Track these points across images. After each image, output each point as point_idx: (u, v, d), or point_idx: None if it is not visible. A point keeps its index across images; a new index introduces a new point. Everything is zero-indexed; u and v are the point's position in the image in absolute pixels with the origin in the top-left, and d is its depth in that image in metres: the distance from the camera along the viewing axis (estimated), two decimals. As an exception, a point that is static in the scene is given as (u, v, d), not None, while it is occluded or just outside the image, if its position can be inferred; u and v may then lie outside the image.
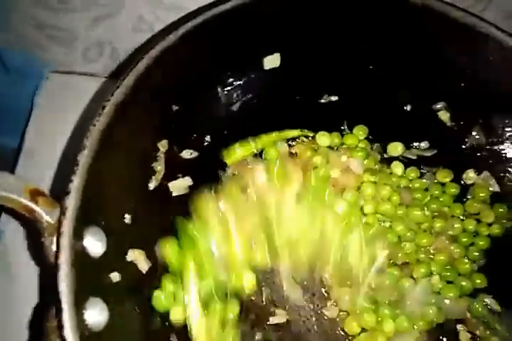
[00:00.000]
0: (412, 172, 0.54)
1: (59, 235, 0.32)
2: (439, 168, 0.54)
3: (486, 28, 0.46)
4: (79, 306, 0.31)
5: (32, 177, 0.56)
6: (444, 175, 0.54)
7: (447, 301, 0.48)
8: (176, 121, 0.46)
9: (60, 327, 0.29)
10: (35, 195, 0.33)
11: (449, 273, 0.50)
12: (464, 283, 0.49)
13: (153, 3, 0.56)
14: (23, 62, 0.66)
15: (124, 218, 0.40)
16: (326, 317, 0.48)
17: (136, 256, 0.41)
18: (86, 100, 0.63)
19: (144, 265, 0.41)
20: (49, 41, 0.62)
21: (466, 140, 0.55)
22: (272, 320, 0.47)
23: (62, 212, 0.32)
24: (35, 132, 0.62)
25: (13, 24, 0.60)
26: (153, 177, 0.44)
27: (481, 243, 0.51)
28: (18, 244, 0.53)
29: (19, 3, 0.56)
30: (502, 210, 0.52)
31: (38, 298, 0.48)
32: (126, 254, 0.39)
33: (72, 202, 0.32)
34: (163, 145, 0.45)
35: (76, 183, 0.33)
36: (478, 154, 0.54)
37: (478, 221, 0.52)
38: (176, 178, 0.48)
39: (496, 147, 0.54)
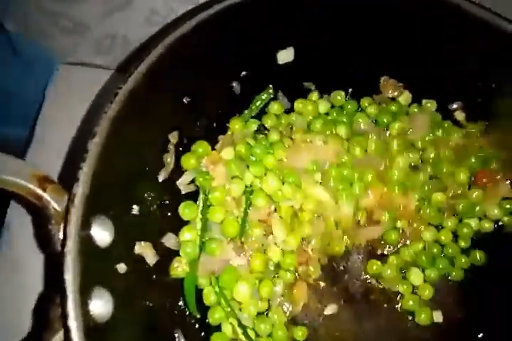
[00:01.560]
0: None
1: (66, 223, 0.31)
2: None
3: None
4: (84, 296, 0.30)
5: (42, 166, 0.56)
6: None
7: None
8: (187, 113, 0.45)
9: (65, 316, 0.29)
10: (43, 181, 0.32)
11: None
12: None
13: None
14: (36, 53, 0.66)
15: (133, 209, 0.39)
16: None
17: (144, 249, 0.40)
18: (96, 91, 0.63)
19: (151, 258, 0.40)
20: (61, 32, 0.62)
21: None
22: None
23: (71, 200, 0.31)
24: (46, 122, 0.62)
25: (26, 15, 0.60)
26: (163, 169, 0.44)
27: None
28: (24, 234, 0.53)
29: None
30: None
31: (42, 286, 0.48)
32: (134, 246, 0.39)
33: (80, 189, 0.32)
34: (174, 137, 0.44)
35: (85, 170, 0.32)
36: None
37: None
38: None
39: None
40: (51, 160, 0.57)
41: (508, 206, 0.53)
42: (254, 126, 0.52)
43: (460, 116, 0.56)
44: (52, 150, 0.59)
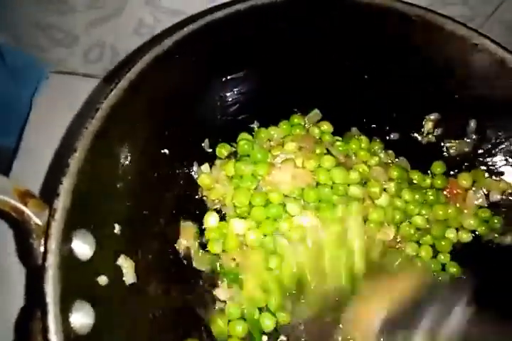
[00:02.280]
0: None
1: (47, 237, 0.32)
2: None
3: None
4: (64, 309, 0.31)
5: (28, 178, 0.56)
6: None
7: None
8: (172, 127, 0.46)
9: (45, 330, 0.29)
10: (24, 196, 0.33)
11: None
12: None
13: (153, 6, 0.57)
14: (24, 62, 0.66)
15: (114, 227, 0.39)
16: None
17: (125, 265, 0.40)
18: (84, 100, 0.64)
19: (129, 277, 0.40)
20: (50, 42, 0.62)
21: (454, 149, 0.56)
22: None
23: (51, 214, 0.32)
24: (34, 132, 0.62)
25: (14, 24, 0.60)
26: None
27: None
28: (8, 246, 0.53)
29: (20, 3, 0.57)
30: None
31: (24, 301, 0.48)
32: (116, 259, 0.39)
33: (61, 204, 0.32)
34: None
35: (66, 185, 0.33)
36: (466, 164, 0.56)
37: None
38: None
39: (488, 159, 0.55)
40: (38, 170, 0.58)
41: (482, 215, 0.54)
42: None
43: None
44: (39, 159, 0.59)
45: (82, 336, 0.32)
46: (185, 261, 0.47)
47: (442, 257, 0.53)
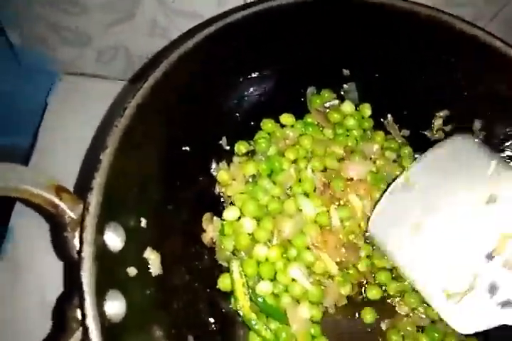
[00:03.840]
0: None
1: (82, 230, 0.33)
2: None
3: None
4: (100, 297, 0.32)
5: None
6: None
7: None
8: (192, 125, 0.47)
9: (83, 315, 0.31)
10: (59, 191, 0.34)
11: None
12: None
13: (165, 8, 0.58)
14: (38, 63, 0.68)
15: (141, 221, 0.41)
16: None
17: (151, 257, 0.41)
18: (98, 102, 0.65)
19: (156, 268, 0.41)
20: (64, 43, 0.64)
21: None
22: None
23: (86, 208, 0.34)
24: (48, 132, 0.64)
25: (29, 25, 0.62)
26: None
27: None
28: (27, 240, 0.55)
29: (35, 4, 0.58)
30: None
31: (63, 288, 0.50)
32: (143, 251, 0.41)
33: (94, 197, 0.34)
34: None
35: (99, 180, 0.35)
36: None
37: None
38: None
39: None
40: (53, 169, 0.59)
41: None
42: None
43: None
44: (54, 158, 0.61)
45: (116, 323, 0.33)
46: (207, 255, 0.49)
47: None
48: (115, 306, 0.34)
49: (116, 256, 0.36)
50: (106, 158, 0.35)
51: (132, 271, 0.38)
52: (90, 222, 0.34)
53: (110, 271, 0.35)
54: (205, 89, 0.47)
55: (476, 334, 0.44)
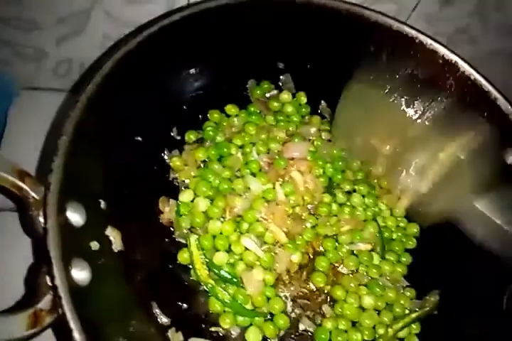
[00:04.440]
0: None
1: (45, 206, 0.38)
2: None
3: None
4: (65, 263, 0.36)
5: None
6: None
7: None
8: (142, 117, 0.53)
9: (52, 277, 0.35)
10: (21, 174, 0.39)
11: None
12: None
13: (114, 21, 0.63)
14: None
15: (100, 203, 0.46)
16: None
17: (113, 235, 0.46)
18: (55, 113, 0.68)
19: (118, 245, 0.46)
20: (19, 59, 0.67)
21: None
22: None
23: (47, 188, 0.38)
24: (9, 145, 0.66)
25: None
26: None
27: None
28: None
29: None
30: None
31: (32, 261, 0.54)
32: (104, 229, 0.45)
33: (54, 178, 0.39)
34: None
35: (57, 163, 0.39)
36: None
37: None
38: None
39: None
40: (17, 160, 0.61)
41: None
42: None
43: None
44: (17, 153, 0.62)
45: (82, 286, 0.38)
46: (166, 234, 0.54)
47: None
48: (81, 272, 0.38)
49: (78, 230, 0.40)
50: (62, 144, 0.40)
51: (95, 245, 0.43)
52: (52, 199, 0.38)
53: (73, 242, 0.39)
54: (148, 86, 0.53)
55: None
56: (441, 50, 0.60)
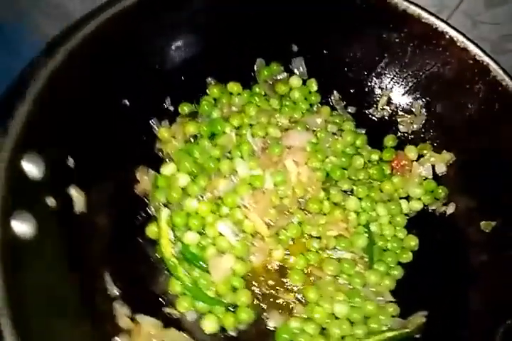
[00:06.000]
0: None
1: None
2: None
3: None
4: (5, 214, 0.35)
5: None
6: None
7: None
8: (131, 79, 0.50)
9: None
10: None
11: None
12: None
13: None
14: (20, 37, 0.71)
15: (68, 160, 0.43)
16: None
17: (75, 195, 0.44)
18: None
19: (80, 206, 0.44)
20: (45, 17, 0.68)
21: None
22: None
23: (5, 132, 0.36)
24: None
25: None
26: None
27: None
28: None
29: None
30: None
31: None
32: (67, 187, 0.43)
33: (14, 124, 0.37)
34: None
35: (21, 111, 0.37)
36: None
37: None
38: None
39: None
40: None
41: (428, 185, 0.57)
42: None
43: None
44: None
45: (23, 240, 0.36)
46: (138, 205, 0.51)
47: (400, 233, 0.57)
48: (23, 224, 0.36)
49: (32, 183, 0.38)
50: (31, 90, 0.38)
51: (52, 201, 0.40)
52: (8, 145, 0.36)
53: (23, 194, 0.37)
54: (140, 48, 0.50)
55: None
56: (473, 49, 0.54)
